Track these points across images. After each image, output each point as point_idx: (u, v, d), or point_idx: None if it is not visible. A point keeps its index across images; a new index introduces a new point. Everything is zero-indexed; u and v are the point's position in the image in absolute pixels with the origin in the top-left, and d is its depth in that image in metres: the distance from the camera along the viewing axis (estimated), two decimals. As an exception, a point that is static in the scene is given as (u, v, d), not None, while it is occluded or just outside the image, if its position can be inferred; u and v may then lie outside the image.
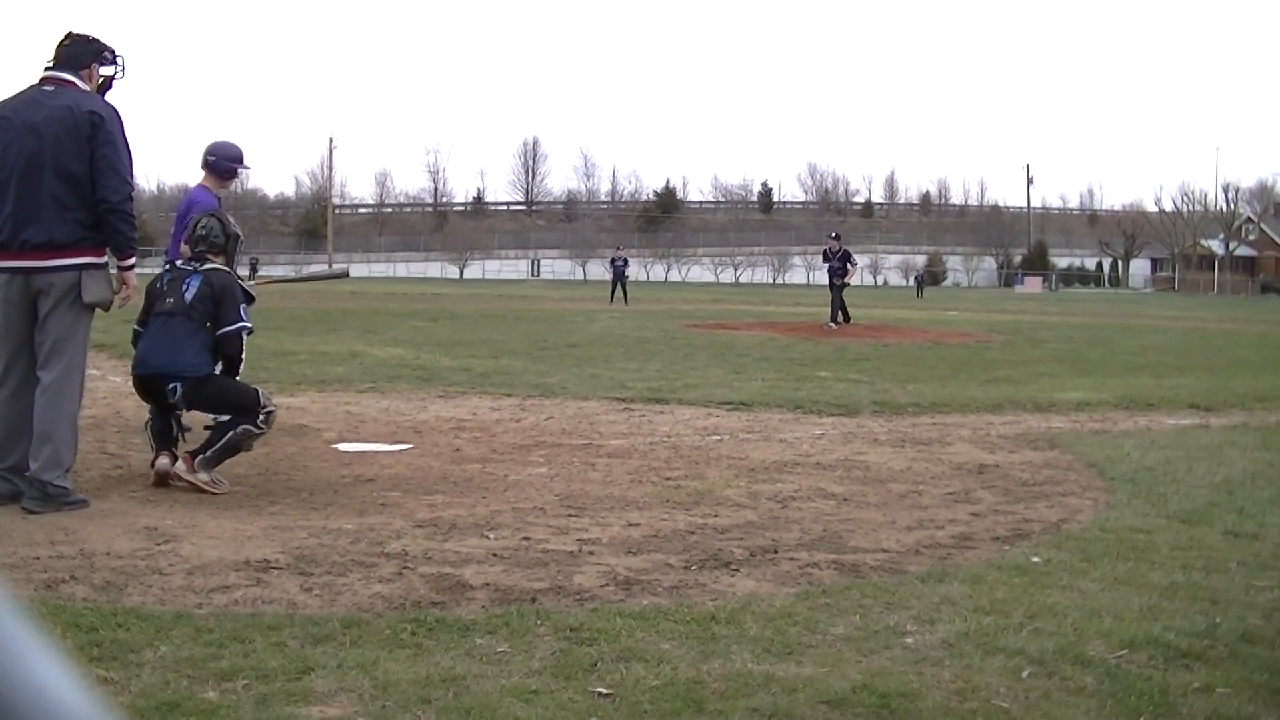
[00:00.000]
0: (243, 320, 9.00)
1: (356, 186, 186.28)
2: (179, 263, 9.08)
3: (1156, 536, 7.73)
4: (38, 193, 7.86)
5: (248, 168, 11.71)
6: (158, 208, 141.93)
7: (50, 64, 8.16)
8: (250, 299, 9.41)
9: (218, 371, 8.95)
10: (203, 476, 8.52)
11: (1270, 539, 7.81)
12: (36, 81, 8.16)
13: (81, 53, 8.18)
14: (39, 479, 7.74)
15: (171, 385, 8.63)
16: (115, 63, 8.32)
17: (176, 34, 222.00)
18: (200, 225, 9.14)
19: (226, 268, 9.10)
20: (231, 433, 8.69)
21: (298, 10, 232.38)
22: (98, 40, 8.28)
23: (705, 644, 5.34)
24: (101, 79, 8.26)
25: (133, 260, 8.17)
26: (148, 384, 8.76)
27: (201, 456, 8.58)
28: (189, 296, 8.78)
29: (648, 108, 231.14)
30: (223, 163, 11.40)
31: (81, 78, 8.11)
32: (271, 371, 15.90)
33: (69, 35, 8.22)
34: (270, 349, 18.97)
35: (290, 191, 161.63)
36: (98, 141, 7.82)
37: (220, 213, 9.45)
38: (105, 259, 8.07)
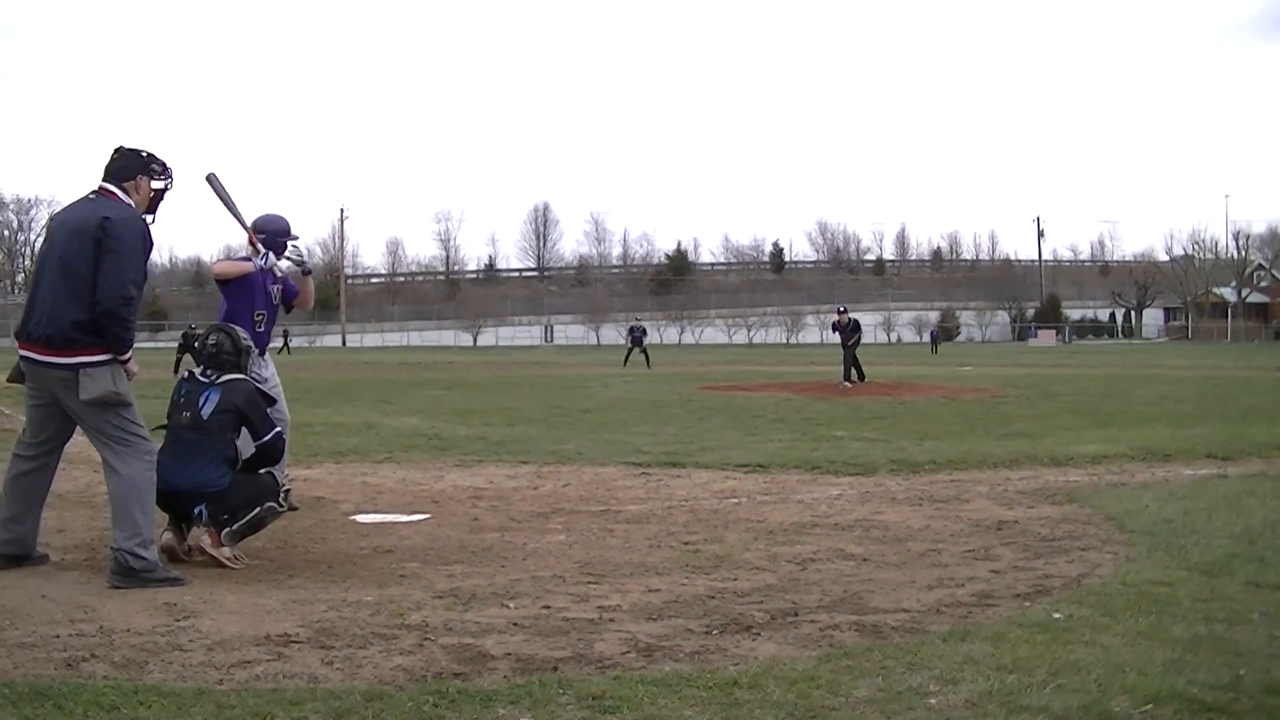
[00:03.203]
0: (274, 426, 9.13)
1: (368, 256, 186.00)
2: (198, 375, 9.06)
3: (1178, 589, 7.70)
4: (44, 289, 8.03)
5: (296, 238, 11.54)
6: (169, 282, 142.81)
7: (102, 177, 8.35)
8: (272, 401, 9.53)
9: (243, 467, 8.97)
10: (226, 552, 8.53)
11: (1292, 589, 7.77)
12: (86, 194, 8.37)
13: (128, 165, 8.36)
14: (119, 549, 7.87)
15: (197, 510, 8.63)
16: (165, 175, 8.47)
17: (184, 104, 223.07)
18: (210, 342, 9.16)
19: (244, 376, 9.15)
20: (257, 510, 8.71)
21: (308, 81, 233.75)
22: (146, 153, 8.45)
23: (728, 709, 5.33)
24: (153, 192, 8.41)
25: (128, 356, 8.18)
26: (167, 499, 8.73)
27: (227, 531, 8.59)
28: (206, 412, 8.81)
29: (657, 170, 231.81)
30: (271, 240, 11.14)
31: (126, 189, 8.26)
32: (287, 444, 15.89)
33: (118, 150, 8.42)
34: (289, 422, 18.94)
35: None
36: (104, 246, 7.90)
37: (229, 327, 9.42)
38: (107, 356, 8.06)
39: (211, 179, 10.69)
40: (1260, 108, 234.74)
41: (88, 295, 7.88)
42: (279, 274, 11.08)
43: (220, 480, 8.65)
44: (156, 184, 8.43)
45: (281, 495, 8.99)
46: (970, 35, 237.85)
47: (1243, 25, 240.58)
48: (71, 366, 7.91)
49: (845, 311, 38.51)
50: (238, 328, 9.48)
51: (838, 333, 37.53)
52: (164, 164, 8.47)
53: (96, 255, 7.89)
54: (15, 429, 8.52)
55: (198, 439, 8.74)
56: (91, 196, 8.26)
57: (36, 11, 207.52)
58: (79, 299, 7.90)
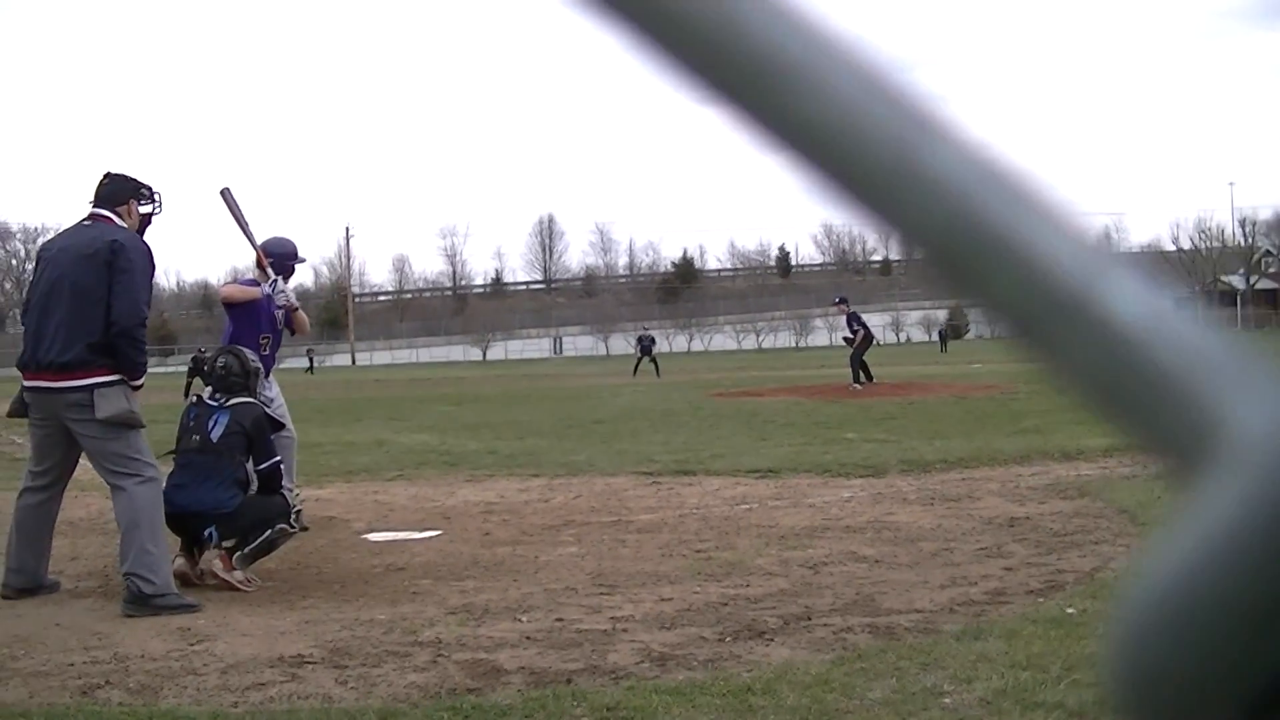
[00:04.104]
0: (275, 456, 9.11)
1: (375, 274, 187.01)
2: (206, 398, 9.10)
3: (1191, 580, 7.68)
4: (55, 316, 8.04)
5: (303, 260, 11.69)
6: (178, 305, 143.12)
7: (92, 202, 8.46)
8: (279, 426, 9.57)
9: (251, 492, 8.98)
10: (238, 575, 8.54)
11: (1306, 577, 7.76)
12: (80, 220, 8.49)
13: (119, 190, 8.50)
14: (130, 574, 7.87)
15: (207, 532, 8.63)
16: (153, 200, 8.63)
17: (190, 127, 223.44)
18: (219, 365, 9.21)
19: (252, 399, 9.18)
20: (269, 532, 8.72)
21: (310, 102, 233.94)
22: (134, 179, 8.61)
23: (743, 716, 5.33)
24: (141, 215, 8.51)
25: (140, 383, 8.24)
26: (178, 521, 8.72)
27: (239, 554, 8.60)
28: (215, 435, 8.82)
29: (662, 178, 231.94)
30: (280, 263, 11.31)
31: (119, 214, 8.39)
32: (298, 464, 15.91)
33: (107, 175, 8.56)
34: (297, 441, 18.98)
35: (309, 282, 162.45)
36: (116, 268, 8.00)
37: (238, 350, 9.47)
38: (117, 377, 8.11)
39: (226, 194, 10.78)
40: (1261, 94, 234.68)
41: (102, 318, 7.97)
42: (283, 301, 11.16)
43: (230, 502, 8.65)
44: (144, 208, 8.57)
45: (292, 516, 9.01)
46: (970, 27, 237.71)
47: (1236, 13, 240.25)
48: (86, 388, 7.95)
49: (842, 301, 37.29)
50: (245, 350, 9.51)
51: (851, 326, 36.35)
52: (151, 189, 8.63)
53: (109, 278, 7.96)
54: (26, 458, 8.59)
55: (207, 461, 8.75)
56: (88, 222, 8.37)
57: (38, 37, 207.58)
58: (94, 322, 7.98)
